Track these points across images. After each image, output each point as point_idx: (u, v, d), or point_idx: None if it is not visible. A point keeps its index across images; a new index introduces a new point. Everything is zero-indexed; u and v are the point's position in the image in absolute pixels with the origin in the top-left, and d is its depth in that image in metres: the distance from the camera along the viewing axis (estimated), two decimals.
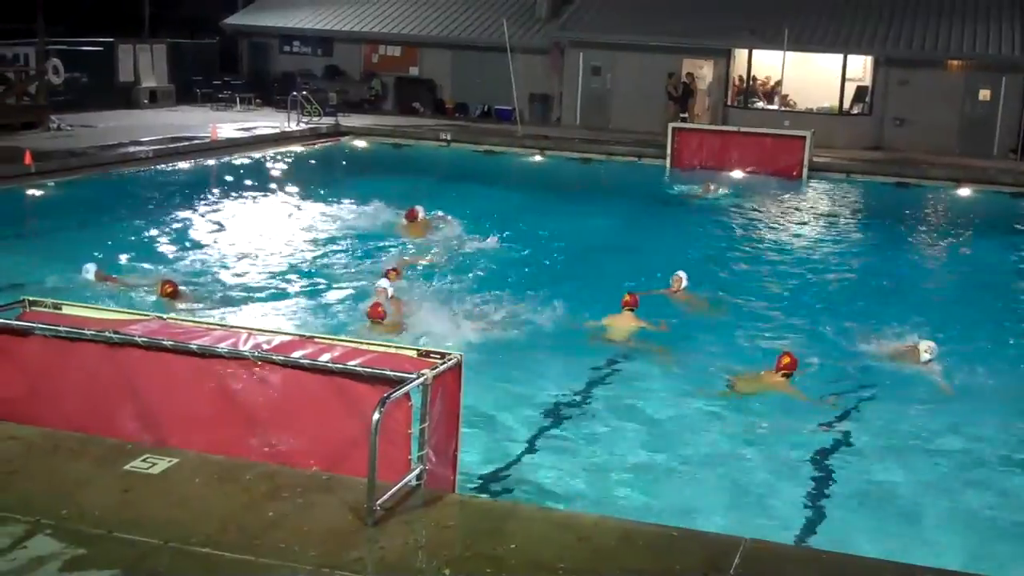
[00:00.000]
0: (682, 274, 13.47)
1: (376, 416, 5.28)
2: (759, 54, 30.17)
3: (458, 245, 16.49)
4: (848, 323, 13.09)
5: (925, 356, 11.15)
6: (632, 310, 12.29)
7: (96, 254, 14.03)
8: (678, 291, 13.32)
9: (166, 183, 21.89)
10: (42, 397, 6.61)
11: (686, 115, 29.24)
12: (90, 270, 13.10)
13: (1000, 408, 10.37)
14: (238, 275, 14.59)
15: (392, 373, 5.82)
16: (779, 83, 29.43)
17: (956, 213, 22.84)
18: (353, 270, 14.98)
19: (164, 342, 6.31)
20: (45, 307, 6.97)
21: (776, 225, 20.16)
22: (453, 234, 17.02)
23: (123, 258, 14.79)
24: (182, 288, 12.85)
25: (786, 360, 10.45)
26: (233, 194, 20.56)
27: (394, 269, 13.46)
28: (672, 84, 29.83)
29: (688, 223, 19.98)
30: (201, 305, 12.64)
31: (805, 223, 20.57)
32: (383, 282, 12.43)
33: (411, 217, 17.22)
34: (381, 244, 16.50)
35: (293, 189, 21.49)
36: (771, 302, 14.33)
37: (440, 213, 17.71)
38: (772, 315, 13.62)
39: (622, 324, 12.14)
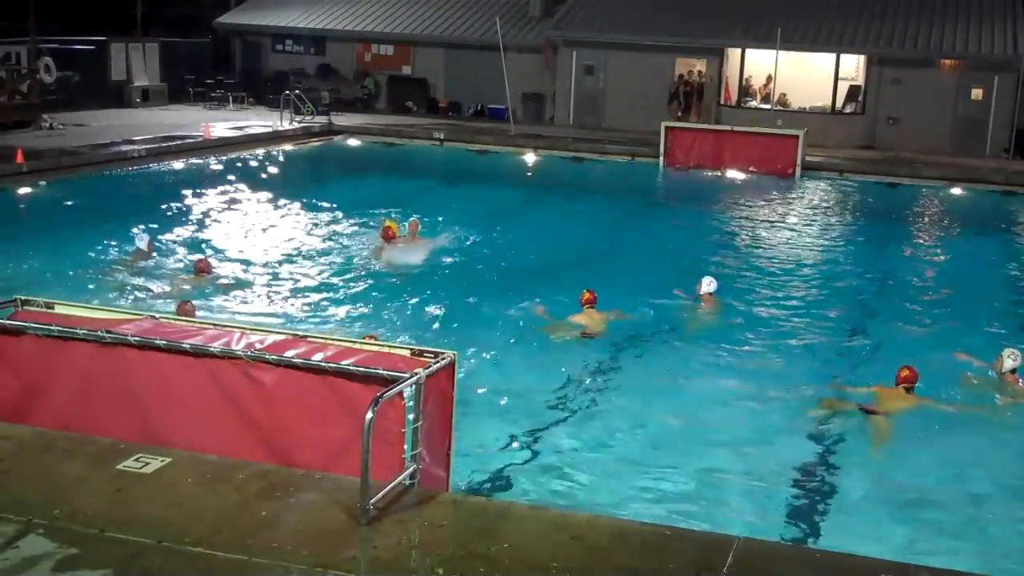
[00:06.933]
0: (705, 280, 13.29)
1: (369, 415, 5.27)
2: (752, 53, 30.20)
3: (450, 245, 16.46)
4: (838, 316, 13.10)
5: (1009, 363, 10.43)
6: (593, 306, 12.39)
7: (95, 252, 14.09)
8: (704, 296, 13.25)
9: (158, 182, 21.83)
10: (35, 396, 6.59)
11: (681, 115, 29.30)
12: (144, 239, 14.53)
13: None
14: (229, 274, 14.54)
15: (385, 372, 5.82)
16: (770, 79, 29.44)
17: (948, 212, 22.89)
18: (343, 269, 14.96)
19: (157, 341, 6.30)
20: (38, 307, 6.94)
21: (769, 224, 20.16)
22: (443, 235, 16.94)
23: (115, 257, 14.76)
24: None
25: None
26: (225, 193, 20.50)
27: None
28: (681, 85, 29.91)
29: (681, 222, 19.98)
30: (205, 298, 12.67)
31: (798, 221, 20.58)
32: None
33: (387, 236, 15.98)
34: (372, 243, 16.46)
35: (286, 188, 21.41)
36: (761, 299, 14.36)
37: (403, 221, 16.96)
38: (763, 313, 13.64)
39: (589, 320, 12.26)
